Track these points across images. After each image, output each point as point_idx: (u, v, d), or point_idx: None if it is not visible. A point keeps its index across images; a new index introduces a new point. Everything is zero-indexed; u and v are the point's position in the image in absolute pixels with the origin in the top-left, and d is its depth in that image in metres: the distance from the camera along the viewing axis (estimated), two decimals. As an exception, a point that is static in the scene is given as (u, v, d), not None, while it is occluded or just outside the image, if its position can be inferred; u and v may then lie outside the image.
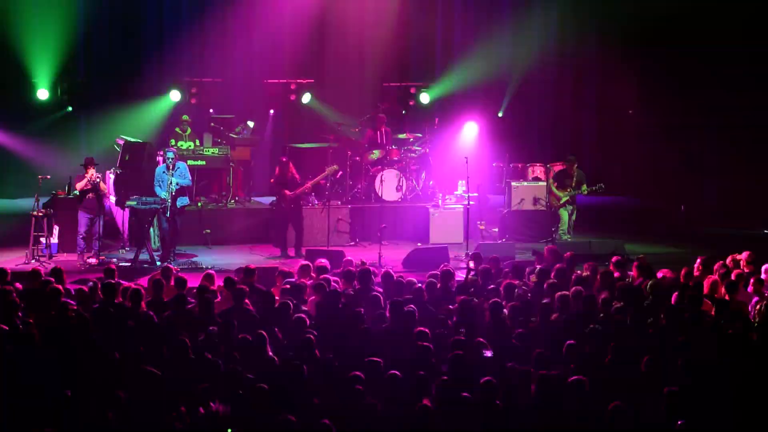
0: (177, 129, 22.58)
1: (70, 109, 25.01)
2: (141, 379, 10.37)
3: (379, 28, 26.67)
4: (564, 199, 21.59)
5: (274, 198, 21.26)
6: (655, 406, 10.16)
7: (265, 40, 26.06)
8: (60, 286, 13.69)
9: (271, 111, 25.88)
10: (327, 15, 26.58)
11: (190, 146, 22.13)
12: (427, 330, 12.02)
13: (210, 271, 15.25)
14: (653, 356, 11.13)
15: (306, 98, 25.71)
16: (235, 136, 23.23)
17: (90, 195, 19.55)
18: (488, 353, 11.49)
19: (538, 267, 15.42)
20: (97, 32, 25.33)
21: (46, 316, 12.78)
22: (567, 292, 13.49)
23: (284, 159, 21.03)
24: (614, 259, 15.81)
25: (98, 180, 19.50)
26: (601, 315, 12.94)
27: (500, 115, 27.23)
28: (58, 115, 25.06)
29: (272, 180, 20.96)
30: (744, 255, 15.77)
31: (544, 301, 13.39)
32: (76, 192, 19.76)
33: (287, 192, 20.43)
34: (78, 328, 12.00)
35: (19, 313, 12.71)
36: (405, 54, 27.15)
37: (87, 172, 19.50)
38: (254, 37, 25.97)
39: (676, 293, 13.73)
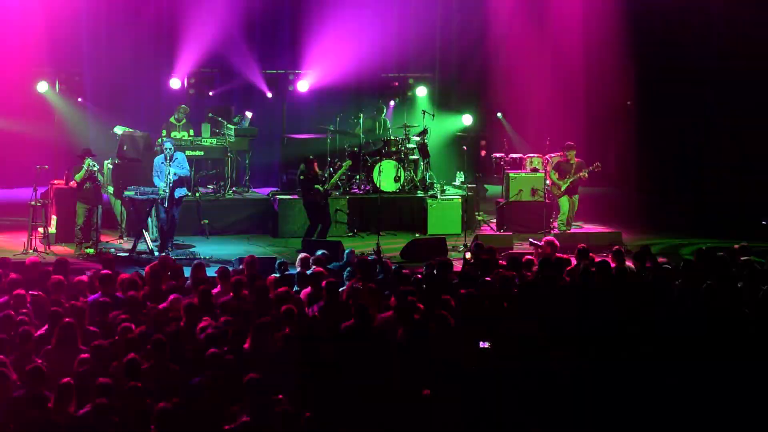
0: (172, 119, 22.56)
1: (79, 99, 25.08)
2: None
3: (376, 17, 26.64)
4: (564, 187, 21.52)
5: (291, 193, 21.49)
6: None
7: (264, 28, 26.09)
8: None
9: (269, 94, 25.81)
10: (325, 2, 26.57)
11: (183, 136, 22.12)
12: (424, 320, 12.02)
13: (200, 261, 15.29)
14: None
15: (303, 86, 25.67)
16: (233, 126, 23.20)
17: (87, 185, 19.54)
18: (484, 344, 11.49)
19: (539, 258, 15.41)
20: (96, 21, 25.29)
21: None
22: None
23: (312, 157, 20.94)
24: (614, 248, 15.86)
25: (95, 170, 19.47)
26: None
27: (499, 115, 27.03)
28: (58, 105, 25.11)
29: (302, 176, 20.65)
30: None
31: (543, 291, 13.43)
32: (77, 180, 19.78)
33: (319, 188, 20.36)
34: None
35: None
36: (403, 44, 27.06)
37: (83, 163, 19.46)
38: (254, 25, 26.01)
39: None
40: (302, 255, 15.33)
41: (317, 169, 20.62)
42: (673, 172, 27.12)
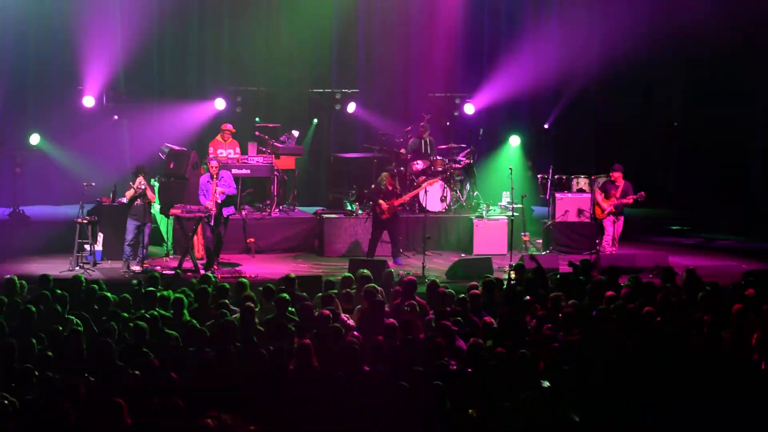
0: (218, 137, 22.64)
1: (116, 117, 25.25)
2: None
3: (425, 37, 26.66)
4: (608, 209, 21.31)
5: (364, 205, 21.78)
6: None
7: (311, 48, 26.19)
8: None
9: (315, 120, 25.92)
10: (372, 23, 26.61)
11: (230, 154, 22.18)
12: (466, 342, 11.95)
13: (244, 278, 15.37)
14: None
15: (351, 108, 25.75)
16: (279, 144, 23.26)
17: (137, 202, 19.63)
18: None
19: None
20: (145, 39, 25.42)
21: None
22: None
23: (388, 169, 20.89)
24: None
25: (144, 187, 19.53)
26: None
27: (546, 126, 27.00)
28: (103, 123, 25.29)
29: (382, 187, 20.56)
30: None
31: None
32: (124, 200, 19.89)
33: (386, 203, 20.30)
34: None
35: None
36: (451, 64, 27.00)
37: (136, 180, 19.52)
38: (300, 45, 26.11)
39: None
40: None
41: (395, 184, 20.60)
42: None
